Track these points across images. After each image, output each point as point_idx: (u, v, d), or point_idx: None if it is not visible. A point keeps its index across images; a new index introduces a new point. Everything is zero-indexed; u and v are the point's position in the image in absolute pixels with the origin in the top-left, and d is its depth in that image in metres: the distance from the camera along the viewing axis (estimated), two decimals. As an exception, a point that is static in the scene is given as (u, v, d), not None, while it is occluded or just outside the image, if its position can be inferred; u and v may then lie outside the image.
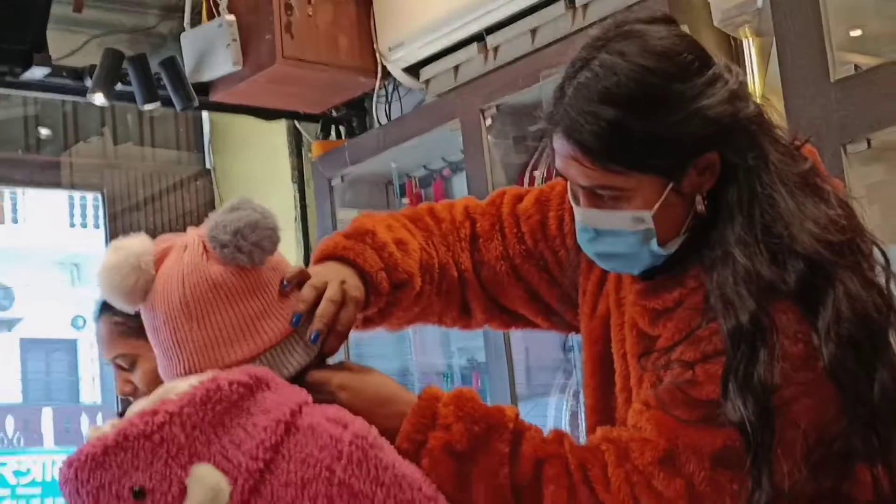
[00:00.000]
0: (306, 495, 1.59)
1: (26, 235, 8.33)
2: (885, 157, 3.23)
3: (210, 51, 4.44)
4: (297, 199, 4.97)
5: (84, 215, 8.70)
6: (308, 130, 4.99)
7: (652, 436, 1.75)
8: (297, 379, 1.78)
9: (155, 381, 1.88)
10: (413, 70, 4.42)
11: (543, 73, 3.87)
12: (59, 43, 4.43)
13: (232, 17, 4.39)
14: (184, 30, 4.54)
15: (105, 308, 2.34)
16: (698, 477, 1.72)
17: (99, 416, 11.31)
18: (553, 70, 1.85)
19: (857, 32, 3.26)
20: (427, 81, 4.38)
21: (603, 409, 1.98)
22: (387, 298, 1.93)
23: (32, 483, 7.03)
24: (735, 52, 3.53)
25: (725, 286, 1.76)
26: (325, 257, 1.92)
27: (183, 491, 1.57)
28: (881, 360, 1.76)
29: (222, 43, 4.39)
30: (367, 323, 1.98)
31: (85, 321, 7.47)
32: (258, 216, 1.77)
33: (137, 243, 1.80)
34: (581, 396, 3.76)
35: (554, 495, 1.75)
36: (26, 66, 4.18)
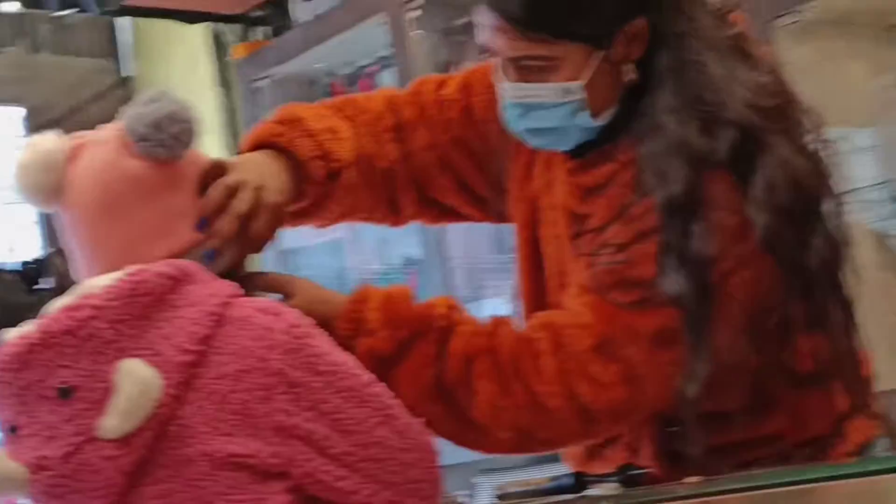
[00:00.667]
0: (241, 386, 1.55)
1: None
2: (816, 33, 3.19)
3: (125, -47, 4.35)
4: (223, 104, 4.89)
5: (10, 136, 8.61)
6: (229, 32, 4.91)
7: (587, 321, 1.73)
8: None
9: None
10: (335, -37, 4.35)
11: (469, -39, 3.80)
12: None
13: (145, -83, 4.29)
14: (97, -68, 4.43)
15: None
16: (637, 359, 1.71)
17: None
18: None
19: None
20: (350, -26, 4.30)
21: (535, 293, 1.95)
22: (322, 188, 1.87)
23: None
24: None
25: (657, 157, 1.73)
26: (256, 145, 1.85)
27: (111, 387, 1.52)
28: (816, 227, 1.74)
29: (137, -56, 4.30)
30: (300, 217, 1.92)
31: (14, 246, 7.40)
32: (176, 107, 1.70)
33: (50, 141, 1.74)
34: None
35: (486, 390, 1.74)
36: (-67, -25, 4.06)
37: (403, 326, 1.75)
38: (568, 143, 1.84)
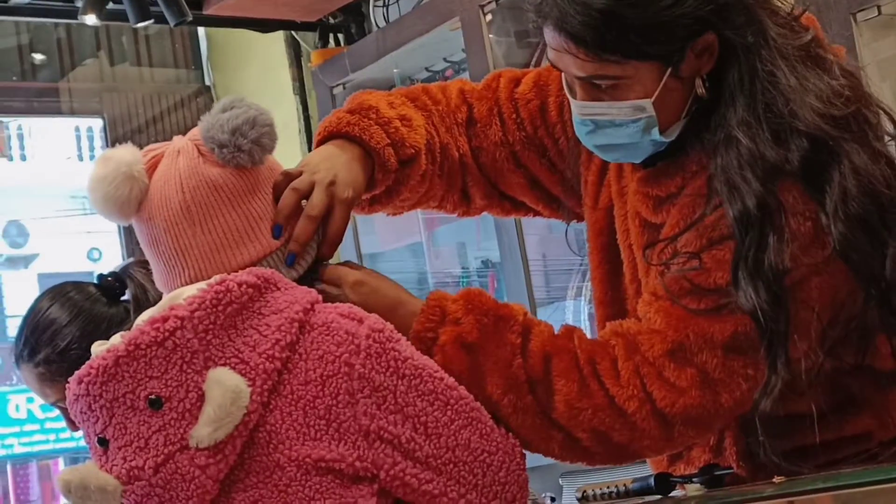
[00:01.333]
0: (327, 392, 1.56)
1: (35, 171, 8.30)
2: (896, 26, 3.15)
3: (200, -37, 4.38)
4: (300, 110, 4.92)
5: (92, 147, 8.69)
6: (306, 40, 4.93)
7: (661, 327, 1.72)
8: (306, 280, 1.74)
9: None
10: (409, -31, 4.36)
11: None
12: (44, -35, 4.37)
13: (221, -72, 4.32)
14: (172, -56, 4.45)
15: (21, 357, 2.24)
16: (711, 365, 1.70)
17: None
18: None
19: None
20: (425, -20, 4.31)
21: (611, 301, 1.95)
22: (394, 176, 1.87)
23: (61, 417, 7.07)
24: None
25: (730, 170, 1.71)
26: (329, 135, 1.86)
27: (200, 396, 1.54)
28: (892, 234, 1.72)
29: (212, -46, 4.33)
30: (374, 204, 1.92)
31: (101, 253, 7.46)
32: (255, 112, 1.71)
33: (127, 152, 1.74)
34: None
35: (565, 388, 1.73)
36: (14, -9, 4.12)
37: (487, 314, 1.75)
38: (639, 157, 1.83)
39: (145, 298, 2.11)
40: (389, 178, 1.86)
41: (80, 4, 4.18)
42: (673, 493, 1.79)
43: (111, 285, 2.20)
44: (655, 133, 1.77)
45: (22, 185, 7.79)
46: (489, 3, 3.96)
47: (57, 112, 5.12)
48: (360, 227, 4.47)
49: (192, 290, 1.61)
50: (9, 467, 7.04)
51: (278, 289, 1.64)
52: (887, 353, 1.77)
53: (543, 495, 2.28)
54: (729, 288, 1.69)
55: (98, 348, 1.61)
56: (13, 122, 7.28)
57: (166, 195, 1.72)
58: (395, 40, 4.29)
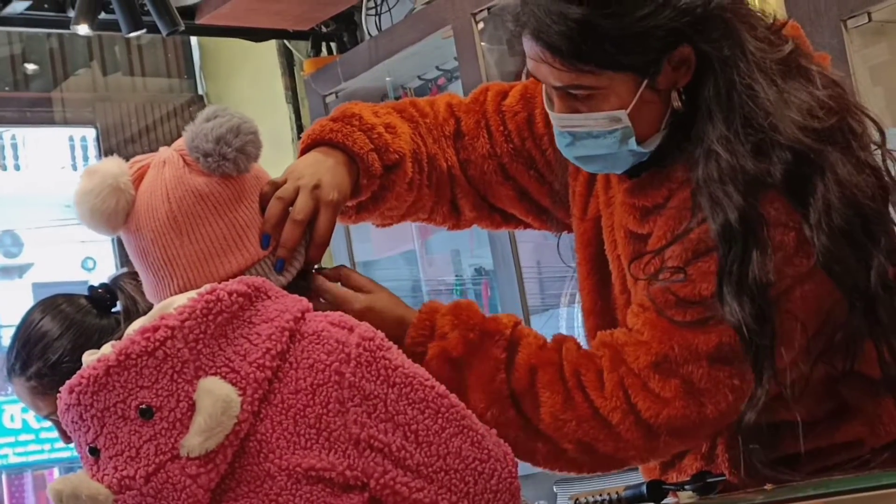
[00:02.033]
0: (317, 400, 1.56)
1: (29, 181, 8.32)
2: (887, 32, 3.16)
3: (192, -28, 4.38)
4: (293, 119, 4.92)
5: (86, 157, 8.71)
6: (298, 49, 4.93)
7: (646, 338, 1.74)
8: (297, 287, 1.75)
9: None
10: (400, -23, 4.36)
11: (533, -29, 3.79)
12: (36, -25, 4.37)
13: (212, -63, 4.32)
14: (164, -47, 4.46)
15: (13, 370, 2.24)
16: (696, 375, 1.71)
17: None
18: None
19: None
20: (416, -12, 4.31)
21: (601, 311, 1.95)
22: (380, 181, 1.87)
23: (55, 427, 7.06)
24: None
25: (711, 184, 1.71)
26: (312, 143, 1.86)
27: (191, 406, 1.54)
28: (877, 245, 1.71)
29: (204, -37, 4.33)
30: (361, 211, 1.93)
31: (95, 262, 7.46)
32: (238, 121, 1.72)
33: (113, 164, 1.75)
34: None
35: (550, 400, 1.75)
36: (6, 1, 4.12)
37: (473, 329, 1.76)
38: (620, 168, 1.83)
39: (135, 310, 2.11)
40: (375, 183, 1.87)
41: (72, 14, 4.18)
42: (665, 501, 1.79)
43: (102, 297, 2.20)
44: (633, 143, 1.77)
45: (16, 195, 7.79)
46: (481, 11, 3.96)
47: (50, 122, 5.13)
48: (353, 235, 4.48)
49: (182, 300, 1.61)
50: (3, 477, 7.03)
51: (269, 297, 1.64)
52: (872, 357, 1.77)
53: (537, 503, 2.29)
54: (714, 300, 1.69)
55: (89, 358, 1.61)
56: (6, 132, 7.29)
57: (153, 206, 1.72)
58: (388, 49, 4.30)
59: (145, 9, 4.20)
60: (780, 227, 1.70)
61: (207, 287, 1.61)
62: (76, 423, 1.59)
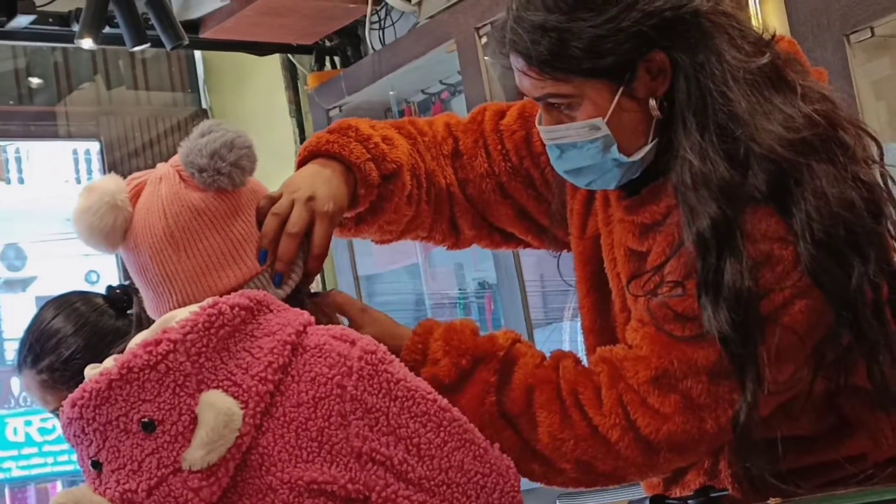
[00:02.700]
0: (319, 414, 1.56)
1: (33, 195, 8.34)
2: (890, 47, 3.16)
3: (197, -13, 4.39)
4: (296, 133, 4.92)
5: (90, 170, 8.74)
6: (302, 63, 4.94)
7: (646, 353, 1.73)
8: (297, 300, 1.75)
9: None
10: (404, -9, 4.36)
11: (537, -14, 3.80)
12: (42, -12, 4.38)
13: (216, -48, 4.33)
14: (169, -33, 4.47)
15: (24, 362, 2.25)
16: (696, 391, 1.71)
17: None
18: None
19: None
20: (419, 3, 4.31)
21: (600, 329, 1.95)
22: (378, 191, 1.88)
23: (59, 440, 7.08)
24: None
25: (685, 191, 1.72)
26: (309, 155, 1.87)
27: (193, 419, 1.54)
28: (864, 259, 1.70)
29: (208, -22, 4.34)
30: (360, 224, 1.93)
31: (98, 276, 7.47)
32: (233, 135, 1.73)
33: (111, 182, 1.75)
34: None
35: (547, 420, 1.75)
36: (10, 16, 4.12)
37: (465, 355, 1.77)
38: (611, 182, 1.83)
39: (147, 319, 2.12)
40: (373, 192, 1.87)
41: (76, 29, 4.19)
42: (668, 516, 1.79)
43: (119, 298, 2.21)
44: (615, 152, 1.77)
45: (20, 209, 7.81)
46: (484, 25, 3.96)
47: (54, 136, 5.13)
48: (357, 248, 4.48)
49: (184, 313, 1.61)
50: (7, 491, 7.03)
51: (271, 311, 1.64)
52: (863, 370, 1.77)
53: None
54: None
55: (91, 371, 1.61)
56: (11, 146, 7.30)
57: (150, 223, 1.73)
58: (391, 63, 4.30)
59: (149, 23, 4.21)
60: (779, 242, 1.70)
61: (209, 300, 1.61)
62: (78, 436, 1.60)
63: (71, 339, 2.18)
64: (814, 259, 1.67)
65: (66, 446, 6.73)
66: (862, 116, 2.88)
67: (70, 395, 1.60)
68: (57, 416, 2.17)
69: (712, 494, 1.79)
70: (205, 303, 1.61)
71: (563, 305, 4.02)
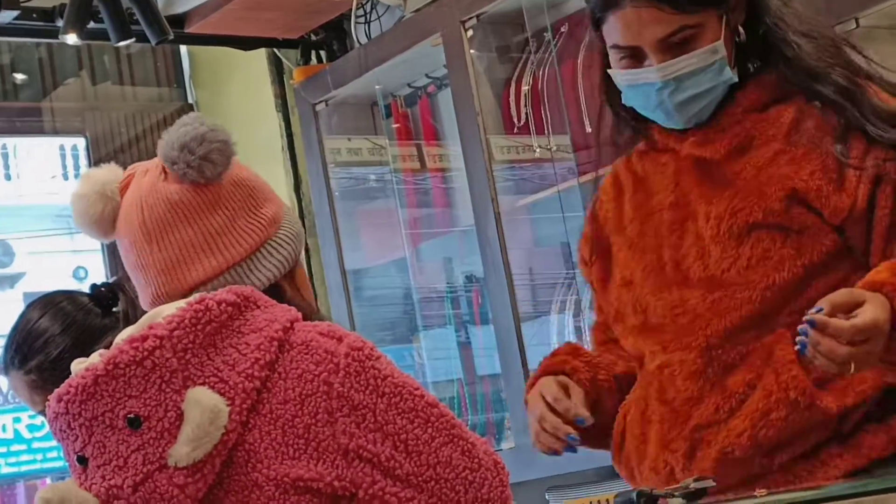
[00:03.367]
0: (306, 411, 1.57)
1: (20, 191, 8.31)
2: (875, 38, 3.16)
3: (182, -19, 4.37)
4: (283, 127, 4.90)
5: (77, 166, 8.71)
6: (288, 57, 4.92)
7: None
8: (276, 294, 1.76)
9: None
10: (390, -15, 4.35)
11: (522, -20, 3.81)
12: (25, -16, 4.36)
13: (200, -54, 4.32)
14: (152, -38, 4.45)
15: (11, 363, 2.24)
16: None
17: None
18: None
19: None
20: (404, -4, 4.31)
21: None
22: None
23: (48, 437, 7.07)
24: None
25: (807, 60, 2.04)
26: None
27: (179, 415, 1.55)
28: None
29: (193, -27, 4.32)
30: None
31: (87, 272, 7.45)
32: (204, 129, 1.74)
33: (106, 171, 1.79)
34: (585, 313, 3.75)
35: None
36: (-6, 12, 4.11)
37: None
38: (710, 108, 2.09)
39: (134, 315, 2.12)
40: None
41: (61, 24, 4.18)
42: (655, 508, 1.79)
43: (104, 296, 2.20)
44: (727, 73, 2.06)
45: (7, 205, 7.78)
46: (470, 18, 3.96)
47: (39, 131, 5.12)
48: (344, 243, 4.47)
49: (170, 309, 1.62)
50: (-5, 488, 7.01)
51: (258, 307, 1.64)
52: None
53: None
54: None
55: (77, 367, 1.61)
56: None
57: (131, 214, 1.75)
58: (377, 56, 4.29)
59: (134, 18, 4.20)
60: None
61: (197, 296, 1.62)
62: (64, 431, 1.60)
63: (58, 338, 2.17)
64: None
65: (55, 443, 6.72)
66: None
67: (56, 390, 1.60)
68: (45, 415, 2.17)
69: (698, 486, 1.79)
70: (192, 298, 1.62)
71: (551, 299, 4.01)
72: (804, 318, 1.77)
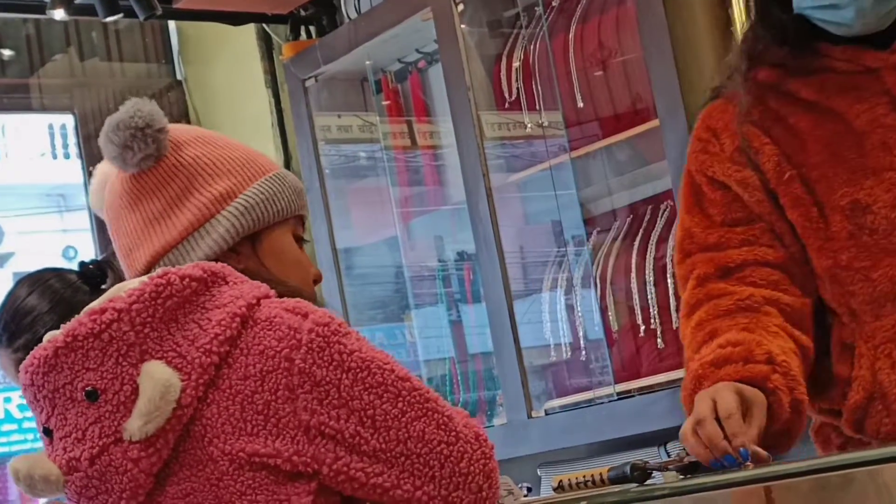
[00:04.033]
0: (266, 387, 1.56)
1: (9, 169, 8.31)
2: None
3: (169, -44, 4.34)
4: (273, 103, 4.88)
5: (66, 144, 8.70)
6: (277, 32, 4.89)
7: None
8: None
9: None
10: (379, -42, 4.33)
11: (514, -48, 3.79)
12: (11, -40, 4.34)
13: (188, -80, 4.29)
14: (140, -64, 4.41)
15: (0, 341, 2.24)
16: None
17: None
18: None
19: None
20: (395, -31, 4.27)
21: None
22: None
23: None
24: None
25: None
26: None
27: (135, 389, 1.55)
28: None
29: (180, -53, 4.29)
30: None
31: (76, 251, 7.44)
32: (119, 117, 1.73)
33: (106, 163, 1.81)
34: (577, 290, 3.74)
35: None
36: (-21, -13, 4.08)
37: None
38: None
39: None
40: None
41: (48, -1, 4.15)
42: (649, 482, 1.78)
43: (93, 273, 2.19)
44: None
45: (-2, 185, 7.75)
46: (460, -8, 3.94)
47: (27, 108, 5.10)
48: (335, 222, 4.45)
49: (134, 283, 1.61)
50: (-14, 467, 7.01)
51: (226, 283, 1.63)
52: None
53: (520, 485, 2.27)
54: None
55: (48, 337, 1.61)
56: (-15, 122, 7.26)
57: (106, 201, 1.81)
58: (367, 31, 4.26)
59: (122, -8, 4.18)
60: None
61: (160, 270, 1.62)
62: (32, 403, 1.62)
63: (46, 316, 2.17)
64: None
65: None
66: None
67: (23, 363, 1.61)
68: None
69: (691, 460, 1.78)
70: (155, 273, 1.62)
71: (542, 276, 4.00)
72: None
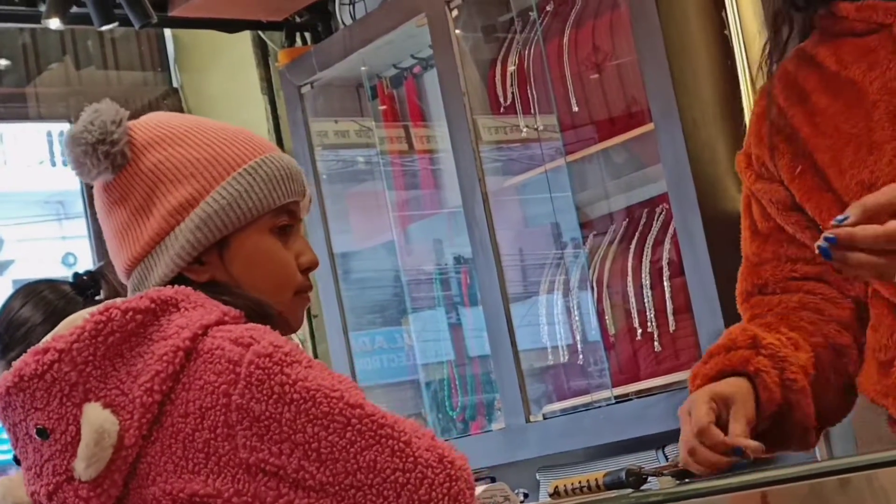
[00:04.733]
0: (206, 424, 1.51)
1: (8, 177, 8.30)
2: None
3: (163, -36, 4.34)
4: (269, 110, 4.88)
5: (64, 153, 8.68)
6: (273, 39, 4.89)
7: None
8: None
9: None
10: (374, -36, 4.33)
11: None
12: (6, -31, 4.34)
13: (182, -72, 4.29)
14: (134, -55, 4.42)
15: None
16: None
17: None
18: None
19: None
20: (389, -24, 4.28)
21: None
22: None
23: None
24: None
25: None
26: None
27: (80, 429, 1.53)
28: None
29: (174, -45, 4.30)
30: None
31: (76, 258, 7.44)
32: (76, 129, 1.69)
33: None
34: (574, 293, 3.74)
35: None
36: (-26, -2, 4.08)
37: None
38: None
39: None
40: None
41: (43, 9, 4.15)
42: (644, 487, 1.78)
43: (86, 284, 2.19)
44: None
45: (-3, 193, 7.75)
46: (454, -2, 3.95)
47: (24, 117, 5.10)
48: (332, 225, 4.45)
49: (80, 319, 1.58)
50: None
51: (178, 310, 1.59)
52: None
53: (517, 491, 2.27)
54: None
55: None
56: (-16, 131, 7.25)
57: None
58: (362, 38, 4.26)
59: (117, 1, 4.17)
60: None
61: (101, 306, 1.58)
62: (5, 429, 1.62)
63: (39, 328, 2.16)
64: None
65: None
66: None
67: None
68: None
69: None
70: (97, 308, 1.58)
71: (539, 279, 4.00)
72: (823, 234, 1.59)
